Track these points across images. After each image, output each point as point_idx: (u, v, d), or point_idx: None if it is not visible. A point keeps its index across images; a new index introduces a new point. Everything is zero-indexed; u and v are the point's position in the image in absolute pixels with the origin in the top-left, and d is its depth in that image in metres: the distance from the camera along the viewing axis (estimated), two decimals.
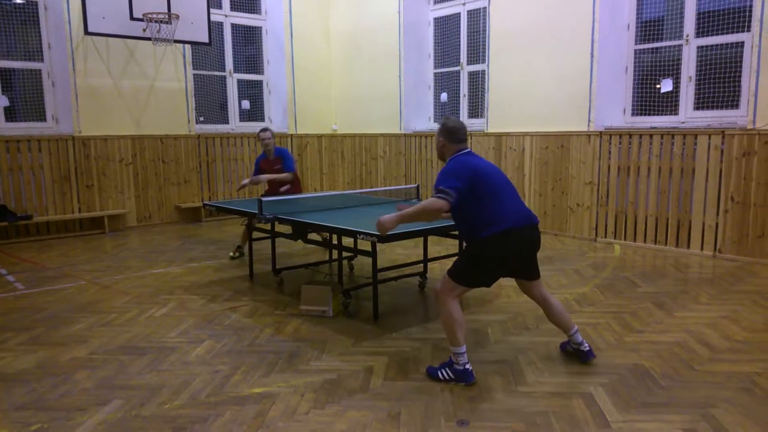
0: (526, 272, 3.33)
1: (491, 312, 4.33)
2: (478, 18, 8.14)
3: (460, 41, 8.44)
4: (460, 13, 8.41)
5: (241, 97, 9.46)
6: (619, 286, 4.94)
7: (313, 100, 9.90)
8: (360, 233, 3.77)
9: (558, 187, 7.15)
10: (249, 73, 9.61)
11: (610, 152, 6.64)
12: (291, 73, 9.59)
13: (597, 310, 4.34)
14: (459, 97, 8.54)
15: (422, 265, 4.99)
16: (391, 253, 6.07)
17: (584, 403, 2.90)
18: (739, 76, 5.85)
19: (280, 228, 4.92)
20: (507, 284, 5.05)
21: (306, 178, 9.98)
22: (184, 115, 8.58)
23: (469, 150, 3.29)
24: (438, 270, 5.44)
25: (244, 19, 9.42)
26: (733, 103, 5.93)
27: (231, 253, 6.26)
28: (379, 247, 4.10)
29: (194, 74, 8.72)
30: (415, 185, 5.56)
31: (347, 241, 4.39)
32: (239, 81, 9.44)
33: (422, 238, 4.95)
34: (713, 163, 5.86)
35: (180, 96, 8.53)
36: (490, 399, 2.97)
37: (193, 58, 8.63)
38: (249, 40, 9.60)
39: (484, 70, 7.95)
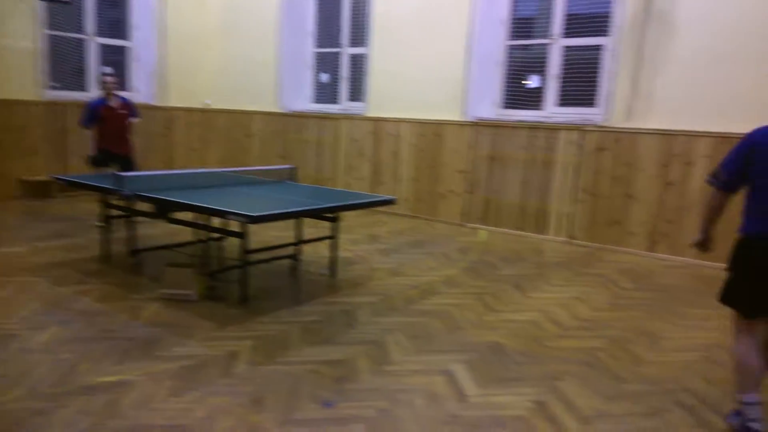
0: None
1: (363, 294, 4.36)
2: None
3: (341, 22, 8.37)
4: None
5: (102, 64, 8.68)
6: (482, 269, 5.18)
7: (184, 71, 9.33)
8: (229, 213, 3.60)
9: (432, 173, 7.36)
10: (113, 38, 8.85)
11: (481, 142, 6.93)
12: (161, 41, 8.97)
13: (461, 291, 4.52)
14: (340, 78, 8.48)
15: (295, 247, 4.90)
16: (264, 235, 5.90)
17: (445, 379, 3.01)
18: (598, 77, 6.34)
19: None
20: (380, 266, 5.11)
21: (174, 154, 9.42)
22: (34, 78, 7.72)
23: None
24: (312, 253, 5.37)
25: None
26: (591, 101, 6.42)
27: (98, 222, 5.87)
28: (252, 228, 3.97)
29: (48, 34, 7.86)
30: (292, 167, 5.44)
31: (217, 221, 4.20)
32: (101, 45, 8.66)
33: (296, 220, 4.86)
34: (571, 156, 6.32)
35: (29, 58, 7.65)
36: (357, 379, 2.98)
37: (47, 17, 7.77)
38: (114, 2, 8.82)
39: (365, 53, 7.95)
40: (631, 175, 5.95)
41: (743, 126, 5.23)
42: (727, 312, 4.11)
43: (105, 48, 8.74)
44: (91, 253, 5.14)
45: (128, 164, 6.14)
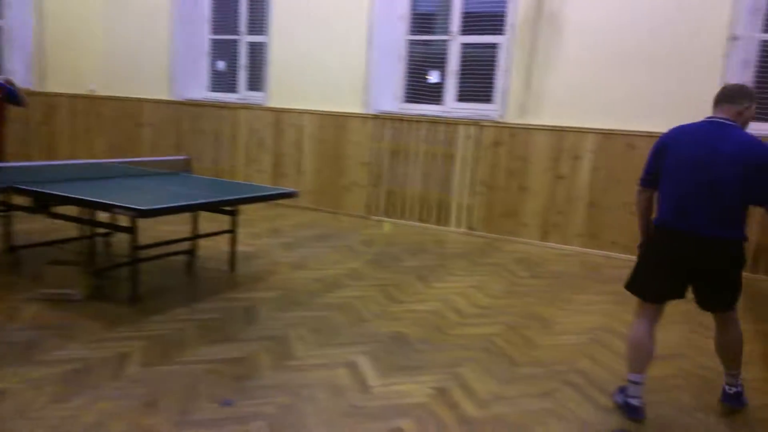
0: (701, 297, 2.75)
1: (264, 289, 4.26)
2: None
3: (239, 8, 8.10)
4: None
5: None
6: (386, 261, 5.23)
7: (66, 55, 8.63)
8: (115, 207, 3.38)
9: (335, 166, 7.32)
10: None
11: (383, 135, 6.98)
12: (39, 20, 8.25)
13: (366, 283, 4.53)
14: (238, 67, 8.20)
15: (191, 242, 4.70)
16: (157, 230, 5.60)
17: (348, 371, 3.00)
18: (494, 74, 6.57)
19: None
20: (282, 260, 5.02)
21: (56, 144, 8.72)
22: None
23: (708, 118, 2.69)
24: (210, 248, 5.17)
25: None
26: (488, 97, 6.65)
27: None
28: (143, 223, 3.75)
29: None
30: (187, 157, 5.20)
31: (105, 216, 3.93)
32: None
33: (192, 214, 4.66)
34: (470, 150, 6.52)
35: None
36: (258, 376, 2.90)
37: None
38: None
39: (265, 42, 7.75)
40: (525, 169, 6.24)
41: (625, 123, 5.66)
42: (610, 297, 4.40)
43: None
44: None
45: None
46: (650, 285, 2.76)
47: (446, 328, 3.69)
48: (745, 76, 5.18)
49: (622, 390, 2.80)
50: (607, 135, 5.75)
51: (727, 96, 2.67)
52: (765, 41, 5.22)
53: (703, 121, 2.69)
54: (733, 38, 5.10)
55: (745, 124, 2.66)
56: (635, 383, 2.70)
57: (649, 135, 5.53)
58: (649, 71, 5.55)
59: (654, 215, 2.79)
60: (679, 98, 5.36)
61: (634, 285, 2.83)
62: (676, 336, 3.76)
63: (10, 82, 5.48)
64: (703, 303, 2.76)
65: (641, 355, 2.71)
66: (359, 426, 2.52)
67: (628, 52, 5.63)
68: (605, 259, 5.64)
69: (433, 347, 3.38)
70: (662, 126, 5.41)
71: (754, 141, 2.55)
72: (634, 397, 2.69)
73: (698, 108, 5.27)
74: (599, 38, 5.74)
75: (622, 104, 5.69)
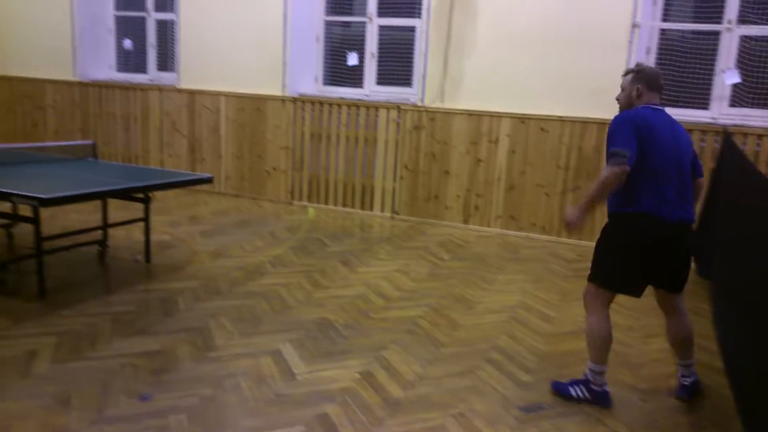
0: (665, 280, 2.77)
1: (182, 279, 4.10)
2: None
3: None
4: None
5: None
6: (311, 247, 5.18)
7: None
8: (14, 195, 3.14)
9: (255, 150, 7.14)
10: None
11: (304, 119, 6.88)
12: None
13: (290, 270, 4.47)
14: (146, 46, 7.79)
15: (102, 231, 4.45)
16: (64, 219, 5.28)
17: (273, 360, 2.96)
18: (412, 58, 6.61)
19: None
20: (201, 249, 4.85)
21: None
22: None
23: (651, 105, 2.71)
24: (123, 237, 4.92)
25: None
26: (408, 81, 6.68)
27: None
28: (48, 212, 3.51)
29: None
30: (91, 142, 4.90)
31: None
32: None
33: (101, 202, 4.41)
34: (391, 134, 6.54)
35: None
36: (177, 369, 2.81)
37: None
38: None
39: (174, 20, 7.39)
40: (446, 153, 6.34)
41: (538, 108, 5.85)
42: (528, 276, 4.57)
43: None
44: None
45: None
46: (628, 277, 2.68)
47: (371, 313, 3.71)
48: (648, 62, 5.48)
49: (588, 382, 2.76)
50: (522, 119, 5.94)
51: (660, 86, 2.78)
52: (663, 30, 5.54)
53: (650, 109, 2.70)
54: (635, 26, 5.38)
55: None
56: (602, 373, 2.74)
57: (560, 119, 5.76)
58: (558, 56, 5.73)
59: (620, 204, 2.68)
60: (587, 83, 5.60)
61: (604, 278, 2.72)
62: (578, 312, 3.96)
63: None
64: (667, 286, 2.78)
65: (607, 347, 2.73)
66: (285, 414, 2.49)
67: (538, 38, 5.79)
68: (524, 240, 5.85)
69: (358, 332, 3.39)
70: (573, 110, 5.71)
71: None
72: (603, 383, 2.75)
73: (605, 92, 5.56)
74: (511, 23, 5.87)
75: (534, 89, 5.88)
